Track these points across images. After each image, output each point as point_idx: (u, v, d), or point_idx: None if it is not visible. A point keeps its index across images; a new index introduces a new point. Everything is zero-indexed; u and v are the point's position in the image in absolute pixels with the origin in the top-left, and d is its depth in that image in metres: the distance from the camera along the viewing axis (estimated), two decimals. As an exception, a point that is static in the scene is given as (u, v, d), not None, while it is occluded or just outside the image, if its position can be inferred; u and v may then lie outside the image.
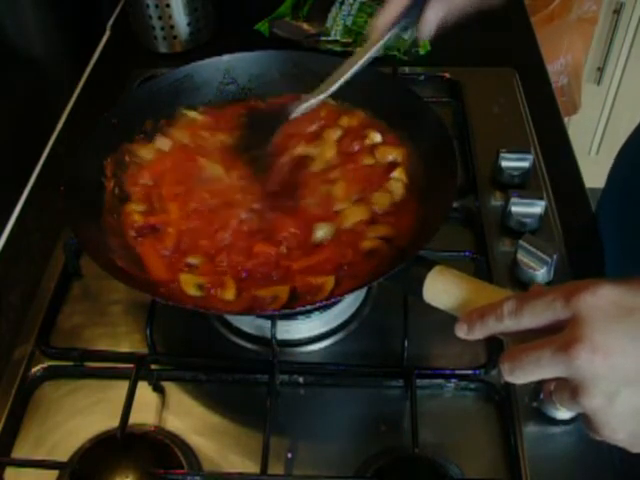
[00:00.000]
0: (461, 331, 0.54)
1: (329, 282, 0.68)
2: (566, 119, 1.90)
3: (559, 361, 0.46)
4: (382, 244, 0.71)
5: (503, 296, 0.53)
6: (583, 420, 0.49)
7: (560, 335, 0.47)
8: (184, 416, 0.69)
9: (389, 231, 0.73)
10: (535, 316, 0.49)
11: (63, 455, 0.65)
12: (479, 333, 0.53)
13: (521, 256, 0.77)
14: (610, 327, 0.45)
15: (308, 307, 0.66)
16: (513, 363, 0.49)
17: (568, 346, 0.45)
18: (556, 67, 1.82)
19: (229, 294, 0.67)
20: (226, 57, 0.88)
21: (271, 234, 0.73)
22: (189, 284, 0.68)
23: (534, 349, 0.48)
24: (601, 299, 0.46)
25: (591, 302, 0.46)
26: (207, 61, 0.88)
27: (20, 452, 0.67)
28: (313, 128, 0.85)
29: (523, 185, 0.89)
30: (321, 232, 0.72)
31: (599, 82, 2.06)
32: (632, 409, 0.46)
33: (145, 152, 0.81)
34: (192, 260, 0.71)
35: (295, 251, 0.71)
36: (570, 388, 0.47)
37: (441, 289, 0.59)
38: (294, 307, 0.66)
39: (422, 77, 1.10)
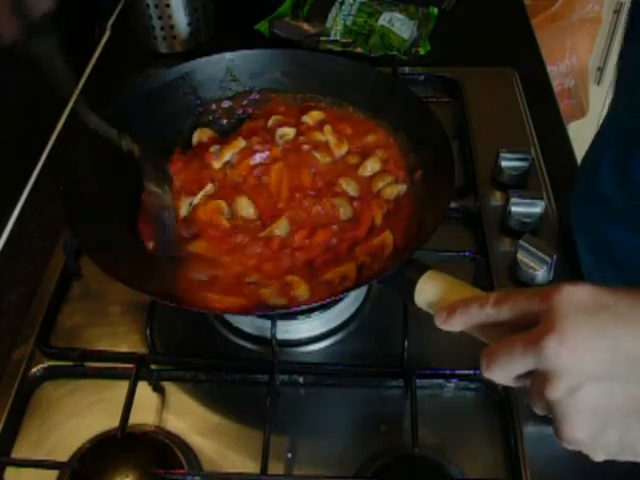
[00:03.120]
0: (439, 319, 0.55)
1: (387, 237, 0.70)
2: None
3: (529, 352, 0.47)
4: (401, 188, 0.76)
5: None
6: (552, 421, 0.49)
7: (534, 329, 0.48)
8: (184, 416, 0.69)
9: (392, 176, 0.77)
10: (514, 308, 0.50)
11: (63, 455, 0.65)
12: (458, 321, 0.53)
13: (521, 256, 0.77)
14: (580, 322, 0.46)
15: (304, 307, 0.66)
16: (489, 358, 0.50)
17: (538, 338, 0.46)
18: (562, 69, 1.80)
19: (302, 290, 0.67)
20: (228, 54, 0.88)
21: (310, 225, 0.73)
22: (272, 297, 0.67)
23: (508, 343, 0.49)
24: (576, 296, 0.47)
25: (566, 298, 0.47)
26: (209, 58, 0.87)
27: (20, 452, 0.67)
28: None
29: (523, 185, 0.89)
30: (350, 187, 0.77)
31: (599, 82, 2.06)
32: (593, 406, 0.46)
33: None
34: (251, 279, 0.69)
35: (347, 226, 0.73)
36: (538, 381, 0.48)
37: (431, 294, 0.58)
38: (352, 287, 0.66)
39: (422, 77, 1.10)
